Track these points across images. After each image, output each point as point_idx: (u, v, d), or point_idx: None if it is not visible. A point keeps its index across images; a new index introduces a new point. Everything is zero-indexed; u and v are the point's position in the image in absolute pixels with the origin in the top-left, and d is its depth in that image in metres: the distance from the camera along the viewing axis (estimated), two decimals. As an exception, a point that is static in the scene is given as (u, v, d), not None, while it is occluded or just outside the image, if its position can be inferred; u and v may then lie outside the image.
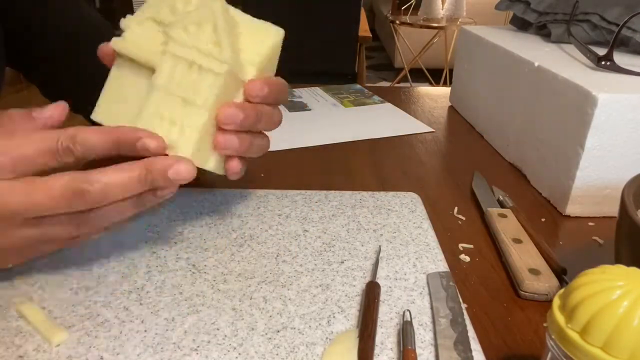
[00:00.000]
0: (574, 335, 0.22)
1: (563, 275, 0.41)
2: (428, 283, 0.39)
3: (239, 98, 0.38)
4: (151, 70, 0.36)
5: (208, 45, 0.35)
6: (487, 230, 0.49)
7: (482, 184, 0.56)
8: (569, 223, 0.51)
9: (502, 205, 0.52)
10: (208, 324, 0.34)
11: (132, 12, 0.38)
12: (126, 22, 0.37)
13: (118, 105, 0.37)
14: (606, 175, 0.50)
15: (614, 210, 0.51)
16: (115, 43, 0.36)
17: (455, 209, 0.51)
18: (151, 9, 0.37)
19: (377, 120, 0.77)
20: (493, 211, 0.49)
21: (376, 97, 0.87)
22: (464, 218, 0.51)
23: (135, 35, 0.36)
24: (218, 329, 0.34)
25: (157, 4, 0.37)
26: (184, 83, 0.35)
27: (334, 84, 0.90)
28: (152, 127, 0.35)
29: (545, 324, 0.25)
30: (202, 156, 0.37)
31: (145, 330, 0.33)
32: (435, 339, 0.33)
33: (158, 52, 0.36)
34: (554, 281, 0.39)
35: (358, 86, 0.93)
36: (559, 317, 0.23)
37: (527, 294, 0.39)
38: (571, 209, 0.52)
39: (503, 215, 0.48)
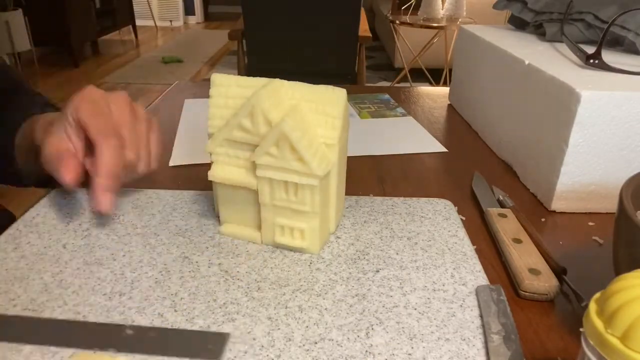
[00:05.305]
0: (614, 341, 0.22)
1: (563, 275, 0.40)
2: (477, 297, 0.37)
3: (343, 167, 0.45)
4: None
5: (292, 164, 0.38)
6: (487, 230, 0.48)
7: (482, 184, 0.56)
8: (569, 223, 0.50)
9: (502, 205, 0.51)
10: (244, 333, 0.33)
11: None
12: (210, 148, 0.41)
13: (235, 211, 0.44)
14: (591, 171, 0.50)
15: (599, 206, 0.52)
16: (211, 176, 0.42)
17: (455, 209, 0.51)
18: (224, 131, 0.40)
19: (389, 136, 0.72)
20: (493, 211, 0.48)
21: (399, 110, 0.83)
22: (464, 218, 0.50)
23: (222, 166, 0.42)
24: (254, 339, 0.33)
25: (226, 126, 0.40)
26: (286, 198, 0.40)
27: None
28: (273, 234, 0.42)
29: (581, 329, 0.25)
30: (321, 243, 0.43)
31: (181, 339, 0.33)
32: (487, 356, 0.32)
33: (248, 175, 0.41)
34: (554, 281, 0.38)
35: (386, 96, 0.90)
36: (598, 323, 0.23)
37: (527, 293, 0.39)
38: (556, 205, 0.52)
39: (503, 215, 0.47)
